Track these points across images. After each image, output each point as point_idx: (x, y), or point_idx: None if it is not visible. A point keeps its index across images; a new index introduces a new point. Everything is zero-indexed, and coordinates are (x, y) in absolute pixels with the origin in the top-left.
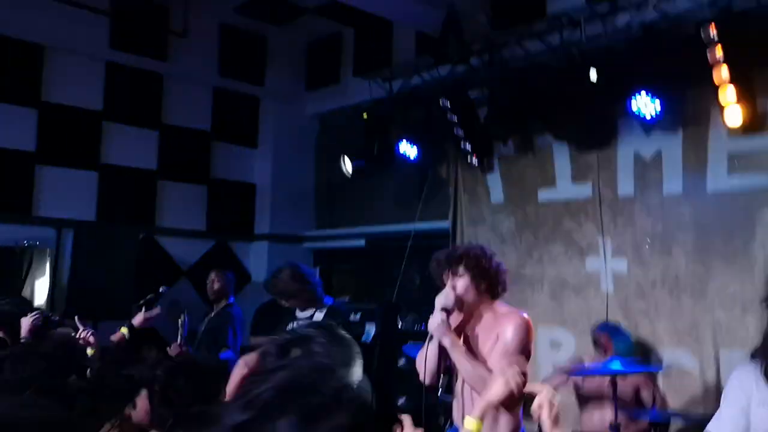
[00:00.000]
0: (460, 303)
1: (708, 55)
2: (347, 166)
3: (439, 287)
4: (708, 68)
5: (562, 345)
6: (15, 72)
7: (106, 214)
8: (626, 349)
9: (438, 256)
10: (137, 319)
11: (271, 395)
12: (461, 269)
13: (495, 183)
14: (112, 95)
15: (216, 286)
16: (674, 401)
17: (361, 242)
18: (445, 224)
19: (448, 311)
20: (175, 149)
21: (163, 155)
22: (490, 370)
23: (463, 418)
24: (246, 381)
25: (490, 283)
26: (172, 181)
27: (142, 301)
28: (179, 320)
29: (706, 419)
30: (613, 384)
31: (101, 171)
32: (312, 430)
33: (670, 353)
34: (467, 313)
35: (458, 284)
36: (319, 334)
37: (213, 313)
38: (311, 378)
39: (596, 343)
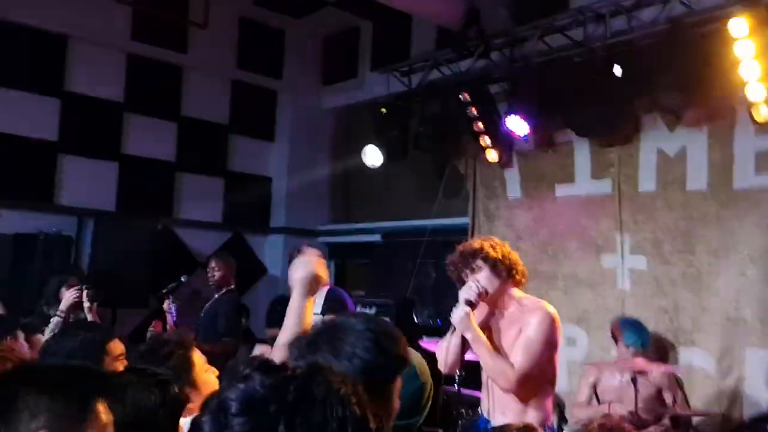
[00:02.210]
0: (484, 295)
1: (735, 50)
2: (371, 157)
3: (457, 283)
4: (735, 63)
5: (576, 342)
6: (38, 62)
7: (126, 204)
8: (634, 342)
9: (452, 258)
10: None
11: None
12: (479, 262)
13: (513, 178)
14: (132, 86)
15: (217, 274)
16: (695, 401)
17: (377, 237)
18: (462, 220)
19: (472, 304)
20: (193, 141)
21: (182, 147)
22: (512, 365)
23: (491, 409)
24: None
25: (509, 269)
26: (190, 173)
27: (165, 290)
28: (164, 307)
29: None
30: (634, 381)
31: (122, 161)
32: None
33: (690, 352)
34: (492, 305)
35: (480, 278)
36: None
37: (212, 300)
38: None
39: (612, 335)
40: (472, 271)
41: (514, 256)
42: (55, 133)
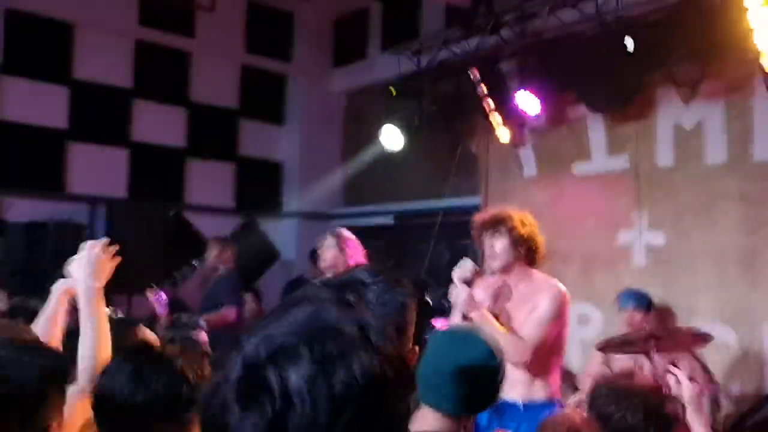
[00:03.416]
0: (480, 273)
1: (750, 19)
2: (389, 139)
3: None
4: (750, 32)
5: (591, 320)
6: (46, 50)
7: (137, 191)
8: (625, 303)
9: (481, 215)
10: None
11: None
12: (503, 229)
13: (527, 156)
14: (141, 72)
15: (212, 254)
16: (717, 375)
17: (390, 219)
18: (475, 200)
19: (468, 283)
20: (203, 126)
21: (192, 132)
22: (521, 338)
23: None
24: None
25: (529, 248)
26: (201, 158)
27: (177, 275)
28: (150, 294)
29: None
30: (648, 356)
31: (132, 148)
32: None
33: (709, 327)
34: (503, 274)
35: (497, 244)
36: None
37: (212, 282)
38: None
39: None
40: (492, 235)
41: (540, 239)
42: (65, 121)
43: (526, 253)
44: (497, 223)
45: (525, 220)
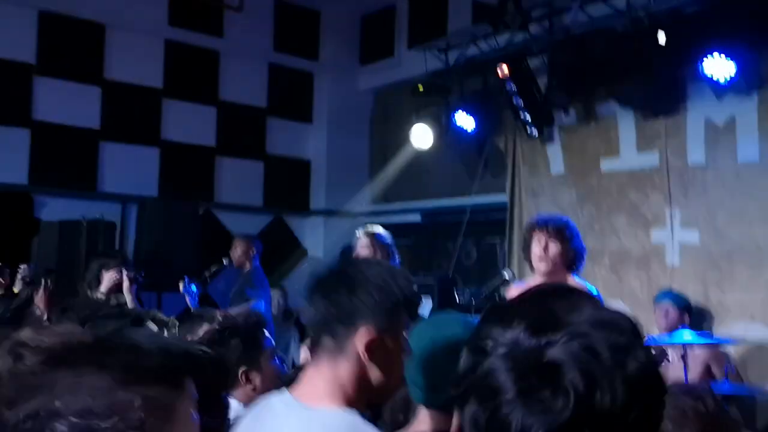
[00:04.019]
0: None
1: None
2: (419, 138)
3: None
4: None
5: None
6: (78, 51)
7: (168, 189)
8: (662, 299)
9: (541, 216)
10: None
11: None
12: (562, 236)
13: (555, 153)
14: (171, 72)
15: (237, 252)
16: (751, 375)
17: (417, 217)
18: (502, 198)
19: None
20: (232, 125)
21: (221, 131)
22: None
23: None
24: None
25: (575, 257)
26: (230, 157)
27: (208, 273)
28: (181, 286)
29: None
30: (683, 357)
31: (162, 147)
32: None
33: (744, 326)
34: (541, 280)
35: (552, 248)
36: None
37: (237, 278)
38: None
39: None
40: (550, 238)
41: (584, 251)
42: (97, 121)
43: (571, 262)
44: (559, 229)
45: (577, 231)
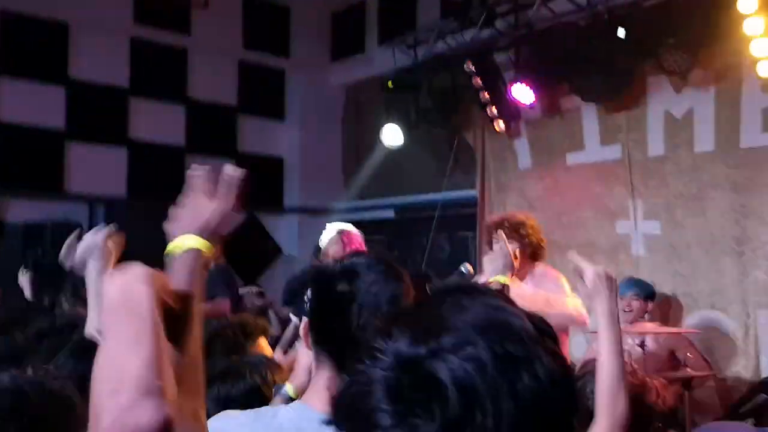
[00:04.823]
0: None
1: (739, 6)
2: (390, 136)
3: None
4: (740, 20)
5: (594, 309)
6: (42, 50)
7: (137, 190)
8: (624, 291)
9: (493, 218)
10: None
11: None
12: (516, 234)
13: (522, 148)
14: (137, 71)
15: None
16: (714, 363)
17: (390, 213)
18: (473, 192)
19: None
20: (202, 124)
21: (191, 130)
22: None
23: None
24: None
25: (534, 250)
26: (201, 155)
27: None
28: None
29: (743, 379)
30: (642, 345)
31: (130, 147)
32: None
33: (706, 315)
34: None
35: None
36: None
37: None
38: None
39: None
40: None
41: (544, 243)
42: (62, 121)
43: (531, 254)
44: (512, 228)
45: (535, 226)
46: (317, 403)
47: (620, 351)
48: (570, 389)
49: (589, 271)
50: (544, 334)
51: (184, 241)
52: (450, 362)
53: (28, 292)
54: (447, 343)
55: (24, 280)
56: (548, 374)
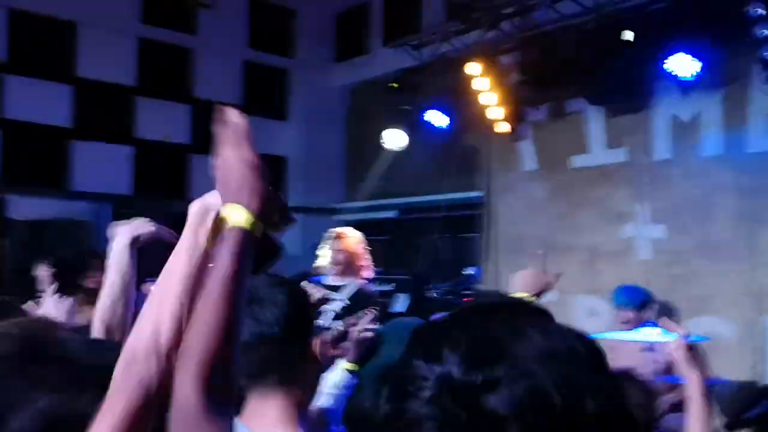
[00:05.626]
0: None
1: (749, 10)
2: (392, 140)
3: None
4: (748, 24)
5: (598, 313)
6: (49, 49)
7: (142, 187)
8: (619, 302)
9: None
10: None
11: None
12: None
13: (527, 150)
14: (144, 70)
15: None
16: (714, 368)
17: (393, 213)
18: (477, 194)
19: None
20: (206, 123)
21: (196, 129)
22: None
23: None
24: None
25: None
26: (206, 154)
27: None
28: (143, 287)
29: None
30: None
31: (136, 145)
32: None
33: (710, 320)
34: None
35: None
36: None
37: None
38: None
39: None
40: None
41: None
42: (68, 120)
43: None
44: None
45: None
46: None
47: (711, 427)
48: (629, 415)
49: (682, 348)
50: (596, 354)
51: (232, 214)
52: (515, 395)
53: (44, 286)
54: (506, 373)
55: (43, 273)
56: (611, 394)
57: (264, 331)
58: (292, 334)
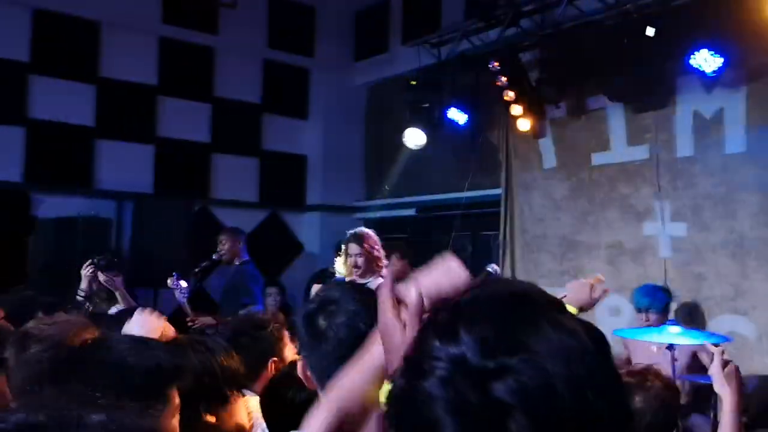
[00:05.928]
0: None
1: None
2: (412, 139)
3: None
4: None
5: (621, 312)
6: (73, 49)
7: (163, 186)
8: (641, 304)
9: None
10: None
11: None
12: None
13: (547, 147)
14: (165, 70)
15: (225, 246)
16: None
17: (412, 211)
18: (496, 191)
19: None
20: (227, 122)
21: (216, 128)
22: None
23: None
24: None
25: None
26: (225, 153)
27: (197, 269)
28: (169, 282)
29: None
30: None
31: (157, 144)
32: None
33: (731, 319)
34: None
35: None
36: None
37: (230, 273)
38: None
39: None
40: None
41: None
42: (92, 119)
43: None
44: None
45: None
46: None
47: None
48: (631, 416)
49: (718, 364)
50: (606, 353)
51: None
52: (523, 385)
53: (84, 285)
54: (518, 364)
55: (86, 273)
56: (614, 388)
57: None
58: None
